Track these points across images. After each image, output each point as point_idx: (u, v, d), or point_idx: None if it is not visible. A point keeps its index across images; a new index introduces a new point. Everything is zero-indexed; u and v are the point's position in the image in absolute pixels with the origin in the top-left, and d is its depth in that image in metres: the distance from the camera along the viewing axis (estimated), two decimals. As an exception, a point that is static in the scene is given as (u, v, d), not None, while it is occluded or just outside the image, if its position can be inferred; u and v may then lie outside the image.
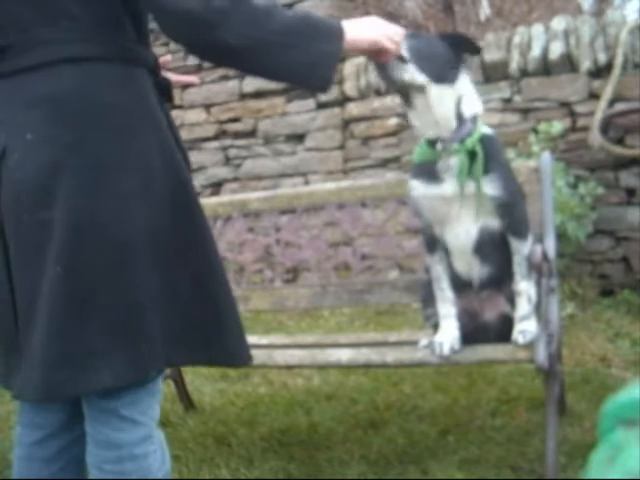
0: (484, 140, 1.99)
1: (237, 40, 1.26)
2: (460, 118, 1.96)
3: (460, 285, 2.12)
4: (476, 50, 2.00)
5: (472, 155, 1.96)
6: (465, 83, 1.98)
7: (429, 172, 2.02)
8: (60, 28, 1.30)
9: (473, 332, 2.11)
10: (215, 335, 1.41)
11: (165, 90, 1.46)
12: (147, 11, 1.35)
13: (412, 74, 1.86)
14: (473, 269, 2.10)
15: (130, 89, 1.35)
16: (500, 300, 2.12)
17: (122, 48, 1.34)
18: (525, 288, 2.05)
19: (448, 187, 2.00)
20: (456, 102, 1.95)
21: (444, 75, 1.92)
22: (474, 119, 1.99)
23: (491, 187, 1.98)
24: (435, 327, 2.16)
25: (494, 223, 2.03)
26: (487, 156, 1.98)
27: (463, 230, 2.05)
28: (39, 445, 1.46)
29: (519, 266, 2.05)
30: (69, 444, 1.46)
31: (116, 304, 1.30)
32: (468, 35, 2.16)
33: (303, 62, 1.32)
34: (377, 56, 1.57)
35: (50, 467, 1.45)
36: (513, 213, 2.04)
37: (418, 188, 2.05)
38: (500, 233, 2.05)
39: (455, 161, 1.97)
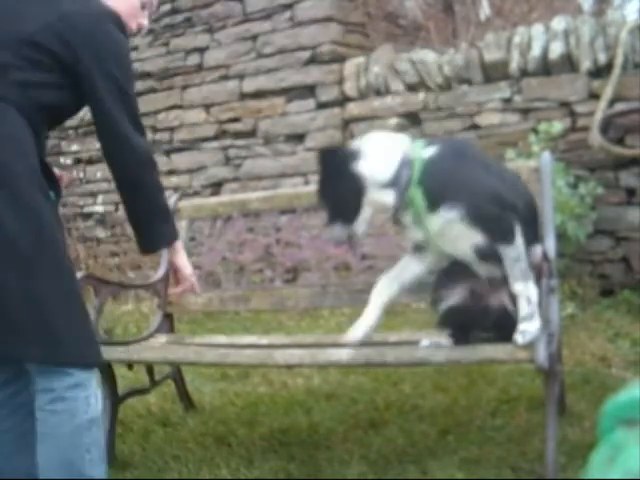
0: (426, 170, 1.98)
1: (143, 184, 1.92)
2: (395, 180, 1.99)
3: (469, 270, 2.11)
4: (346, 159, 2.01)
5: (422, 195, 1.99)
6: (371, 154, 2.01)
7: (398, 221, 2.09)
8: None
9: (474, 312, 2.11)
10: (40, 334, 1.70)
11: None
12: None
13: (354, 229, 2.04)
14: (479, 268, 2.10)
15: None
16: (503, 293, 2.11)
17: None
18: (521, 289, 2.03)
19: (417, 232, 2.06)
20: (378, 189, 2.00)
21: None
22: (404, 162, 2.00)
23: (452, 213, 1.96)
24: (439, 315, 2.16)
25: (478, 237, 2.01)
26: (434, 185, 1.98)
27: (458, 251, 2.07)
28: None
29: (510, 269, 2.03)
30: (13, 394, 1.89)
31: None
32: (334, 148, 2.27)
33: (153, 233, 2.01)
34: (175, 278, 2.30)
35: (1, 410, 1.88)
36: (487, 223, 1.99)
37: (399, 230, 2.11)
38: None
39: (409, 213, 2.02)
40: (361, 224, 2.03)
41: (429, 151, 2.01)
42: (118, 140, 1.85)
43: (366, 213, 2.03)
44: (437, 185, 1.98)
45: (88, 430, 1.77)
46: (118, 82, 1.82)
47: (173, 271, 2.17)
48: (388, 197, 2.00)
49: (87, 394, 1.78)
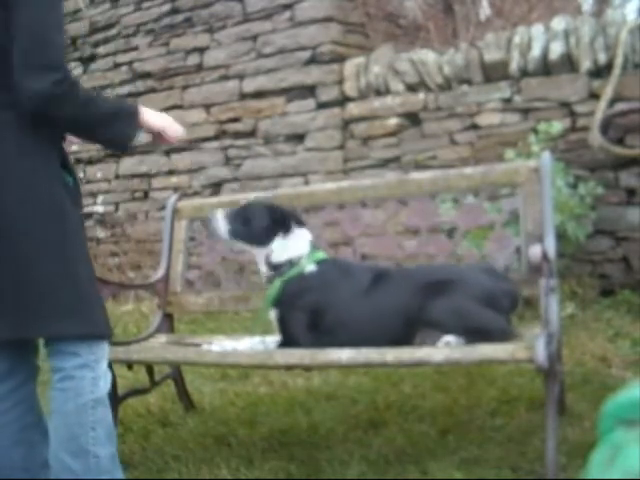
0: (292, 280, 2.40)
1: (71, 115, 1.81)
2: (276, 270, 2.43)
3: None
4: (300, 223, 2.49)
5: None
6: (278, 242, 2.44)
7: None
8: None
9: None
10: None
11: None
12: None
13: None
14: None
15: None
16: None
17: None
18: None
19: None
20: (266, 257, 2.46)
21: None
22: (289, 263, 2.42)
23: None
24: None
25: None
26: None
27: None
28: None
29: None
30: (14, 388, 1.95)
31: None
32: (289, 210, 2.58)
33: (108, 137, 1.92)
34: (160, 138, 2.05)
35: (3, 404, 1.94)
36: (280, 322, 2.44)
37: None
38: None
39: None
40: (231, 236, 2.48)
41: (310, 267, 2.42)
42: (16, 89, 1.75)
43: (249, 250, 2.53)
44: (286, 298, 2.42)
45: (93, 409, 1.86)
46: (35, 20, 1.72)
47: (157, 135, 2.03)
48: (264, 272, 2.49)
49: (95, 375, 1.87)
